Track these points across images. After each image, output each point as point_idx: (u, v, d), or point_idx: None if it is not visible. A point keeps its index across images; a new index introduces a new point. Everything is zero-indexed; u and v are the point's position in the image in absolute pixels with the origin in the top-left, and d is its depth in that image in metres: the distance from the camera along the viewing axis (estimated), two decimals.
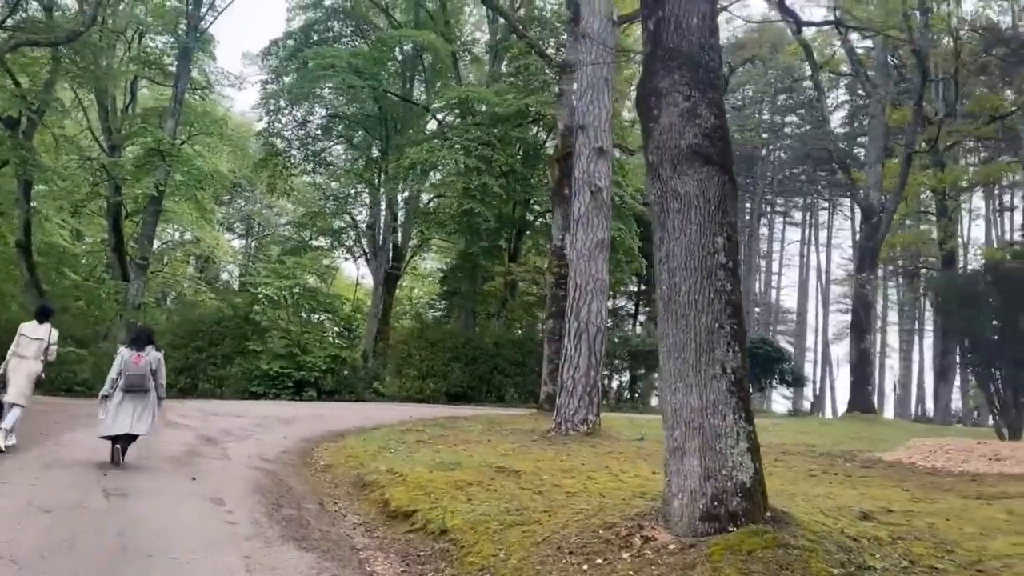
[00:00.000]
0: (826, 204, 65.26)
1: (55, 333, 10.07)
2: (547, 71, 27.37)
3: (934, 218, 41.14)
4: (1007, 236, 51.52)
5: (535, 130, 27.74)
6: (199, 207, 31.86)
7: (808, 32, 26.93)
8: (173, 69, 26.33)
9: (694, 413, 5.68)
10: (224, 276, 47.99)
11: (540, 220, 27.82)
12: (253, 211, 48.85)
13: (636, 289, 33.40)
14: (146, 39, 28.79)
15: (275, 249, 44.79)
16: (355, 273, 40.24)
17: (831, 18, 18.72)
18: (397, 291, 34.75)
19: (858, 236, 58.90)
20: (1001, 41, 32.70)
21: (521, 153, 27.14)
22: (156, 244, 29.68)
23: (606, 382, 28.66)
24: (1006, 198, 53.43)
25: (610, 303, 30.31)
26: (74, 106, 31.80)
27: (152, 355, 9.30)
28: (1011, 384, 11.15)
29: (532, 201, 27.55)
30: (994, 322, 11.33)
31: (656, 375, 30.59)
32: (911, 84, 25.91)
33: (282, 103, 28.78)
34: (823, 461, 11.73)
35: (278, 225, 49.21)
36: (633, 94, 27.79)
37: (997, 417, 11.41)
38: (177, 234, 42.42)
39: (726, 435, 5.62)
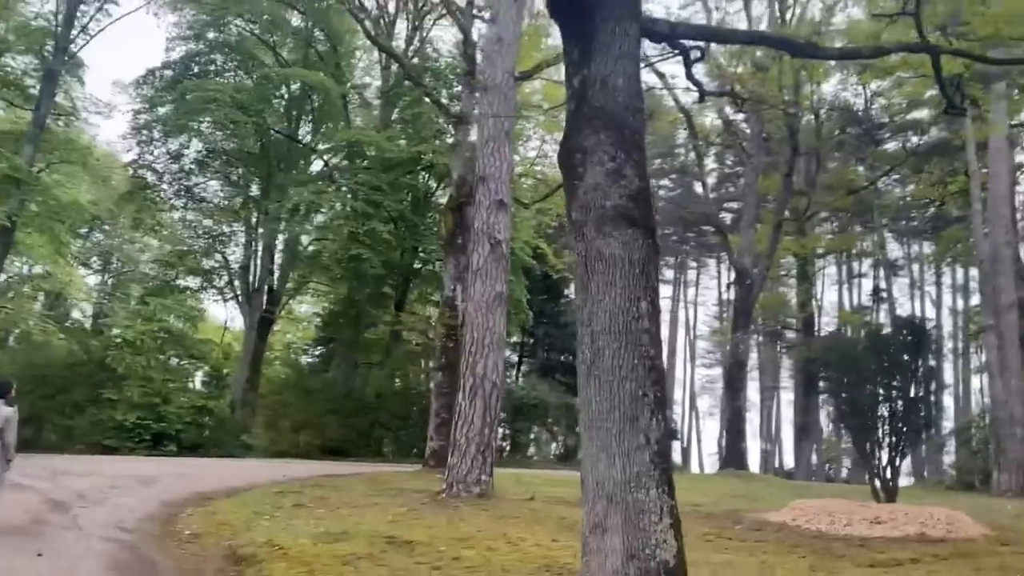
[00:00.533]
0: (694, 264, 68.59)
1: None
2: (440, 120, 27.37)
3: (794, 281, 43.98)
4: (856, 301, 55.79)
5: (426, 178, 27.47)
6: (54, 240, 29.30)
7: (686, 102, 28.43)
8: (35, 91, 24.23)
9: (617, 486, 5.38)
10: (76, 315, 44.09)
11: (428, 268, 27.38)
12: (112, 246, 45.43)
13: (520, 341, 33.38)
14: (5, 58, 26.48)
15: (136, 288, 41.83)
16: (225, 316, 37.87)
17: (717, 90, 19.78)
18: (270, 336, 33.03)
19: (723, 295, 62.40)
20: (855, 121, 35.82)
21: (411, 200, 26.75)
22: (1, 278, 26.83)
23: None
24: (855, 265, 58.03)
25: None
26: None
27: (2, 411, 8.15)
28: (886, 447, 11.64)
29: (420, 249, 27.09)
30: (869, 386, 11.84)
31: (537, 429, 30.58)
32: (778, 156, 27.75)
33: (156, 134, 27.07)
34: (713, 523, 11.77)
35: (140, 262, 46.09)
36: (524, 150, 28.00)
37: (874, 479, 11.86)
38: (26, 267, 38.79)
39: (649, 510, 5.35)
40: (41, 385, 20.88)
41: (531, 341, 32.92)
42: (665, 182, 65.31)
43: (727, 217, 59.25)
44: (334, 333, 30.66)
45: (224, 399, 23.09)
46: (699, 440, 58.79)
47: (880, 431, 11.86)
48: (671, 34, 7.30)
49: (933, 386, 11.81)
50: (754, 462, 48.45)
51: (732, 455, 23.66)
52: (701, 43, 8.43)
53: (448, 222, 20.19)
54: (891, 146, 39.52)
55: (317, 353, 39.74)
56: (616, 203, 5.80)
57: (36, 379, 20.98)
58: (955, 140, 26.80)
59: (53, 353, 24.00)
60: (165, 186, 28.15)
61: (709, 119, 42.85)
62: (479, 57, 14.20)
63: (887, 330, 13.21)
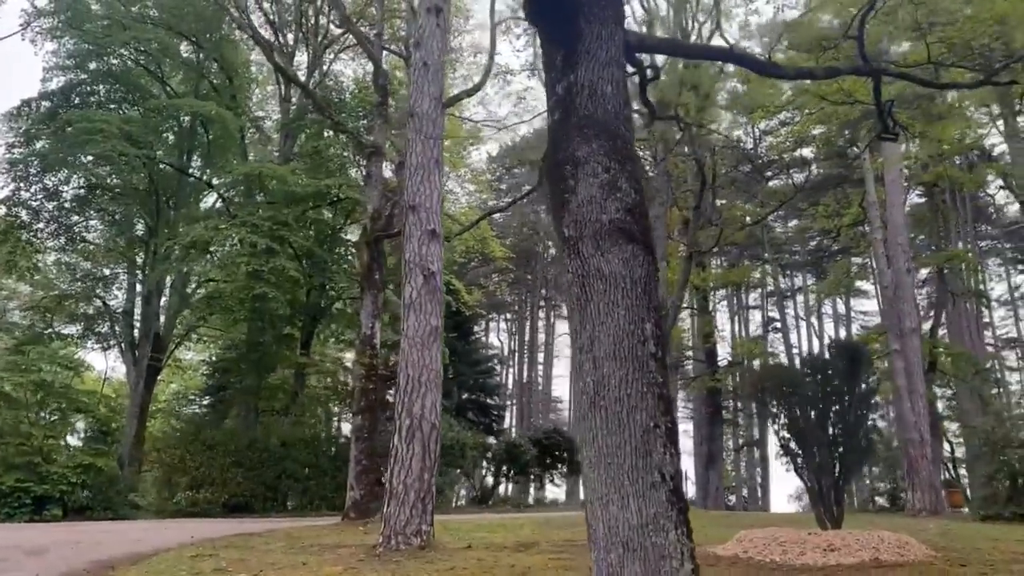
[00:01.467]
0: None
1: None
2: (346, 153, 26.52)
3: (686, 315, 45.10)
4: (746, 332, 58.08)
5: (333, 213, 26.39)
6: None
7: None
8: None
9: (632, 531, 4.84)
10: None
11: (337, 307, 26.15)
12: None
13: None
14: None
15: (3, 337, 38.22)
16: (105, 365, 34.97)
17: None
18: (155, 386, 30.60)
19: None
20: (747, 158, 37.46)
21: (317, 235, 25.58)
22: None
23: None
24: (744, 297, 60.54)
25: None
26: None
27: None
28: (829, 473, 11.64)
29: (328, 287, 25.86)
30: (811, 411, 11.85)
31: (456, 472, 29.53)
32: (685, 190, 28.45)
33: (32, 169, 24.78)
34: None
35: (7, 310, 42.28)
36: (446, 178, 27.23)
37: (819, 505, 11.81)
38: None
39: (670, 555, 4.84)
40: None
41: (453, 377, 32.05)
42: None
43: None
44: (230, 379, 28.72)
45: (112, 456, 20.96)
46: None
47: (824, 456, 11.84)
48: (640, 46, 7.03)
49: (870, 410, 11.89)
50: None
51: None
52: (657, 62, 8.32)
53: (364, 257, 19.34)
54: (777, 183, 41.68)
55: (206, 403, 37.39)
56: (613, 217, 5.36)
57: None
58: (852, 174, 28.31)
59: None
60: (42, 224, 25.71)
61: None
62: (412, 84, 13.61)
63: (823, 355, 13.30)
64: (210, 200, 30.77)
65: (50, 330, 26.80)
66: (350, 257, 26.17)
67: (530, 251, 59.17)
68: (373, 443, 17.97)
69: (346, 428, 28.78)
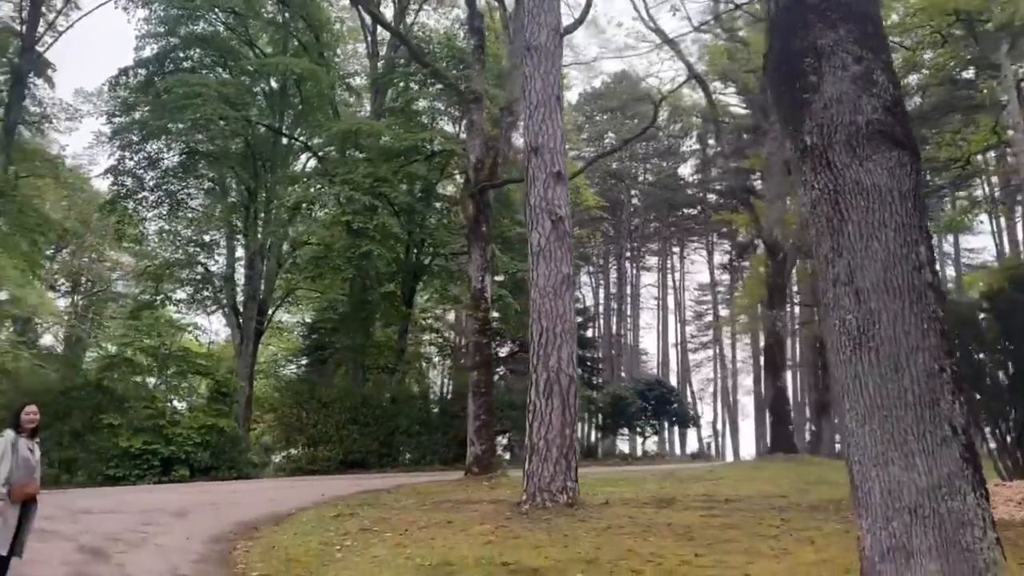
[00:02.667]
0: (677, 247, 67.54)
1: None
2: (437, 103, 25.88)
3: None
4: None
5: (427, 168, 25.83)
6: (28, 259, 27.23)
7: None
8: (2, 94, 22.22)
9: (921, 495, 4.00)
10: (47, 340, 41.69)
11: (438, 264, 25.76)
12: (81, 265, 43.14)
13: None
14: None
15: (111, 307, 39.69)
16: (212, 329, 35.90)
17: None
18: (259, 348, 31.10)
19: (716, 274, 61.47)
20: None
21: (413, 191, 25.13)
22: None
23: (508, 436, 26.74)
24: None
25: (503, 350, 28.46)
26: None
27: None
28: (1018, 423, 10.43)
29: (427, 243, 25.45)
30: (988, 353, 10.61)
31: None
32: None
33: (134, 138, 25.08)
34: (843, 520, 10.42)
35: (112, 281, 43.83)
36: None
37: (1002, 457, 10.64)
38: None
39: (971, 523, 3.98)
40: None
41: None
42: (647, 166, 64.50)
43: (712, 198, 58.62)
44: (332, 339, 28.93)
45: (232, 416, 21.32)
46: (732, 428, 57.47)
47: (1002, 401, 10.63)
48: None
49: None
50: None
51: (779, 438, 22.48)
52: None
53: (468, 209, 18.70)
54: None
55: (304, 363, 37.95)
56: (871, 117, 4.39)
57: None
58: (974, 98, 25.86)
59: (44, 379, 22.03)
60: (146, 192, 26.13)
61: (690, 98, 41.86)
62: (527, 16, 12.66)
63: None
64: (302, 162, 30.78)
65: (161, 296, 27.41)
66: (448, 211, 25.68)
67: (615, 201, 57.54)
68: (490, 398, 17.57)
69: (451, 385, 28.75)
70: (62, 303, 43.77)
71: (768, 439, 24.93)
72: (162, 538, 9.70)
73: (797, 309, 40.16)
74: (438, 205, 26.24)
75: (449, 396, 28.09)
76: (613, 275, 65.14)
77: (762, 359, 50.56)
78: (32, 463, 6.63)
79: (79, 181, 34.16)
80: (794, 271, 24.55)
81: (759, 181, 38.14)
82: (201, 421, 19.89)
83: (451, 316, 31.56)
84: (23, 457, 6.53)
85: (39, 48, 22.10)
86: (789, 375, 43.37)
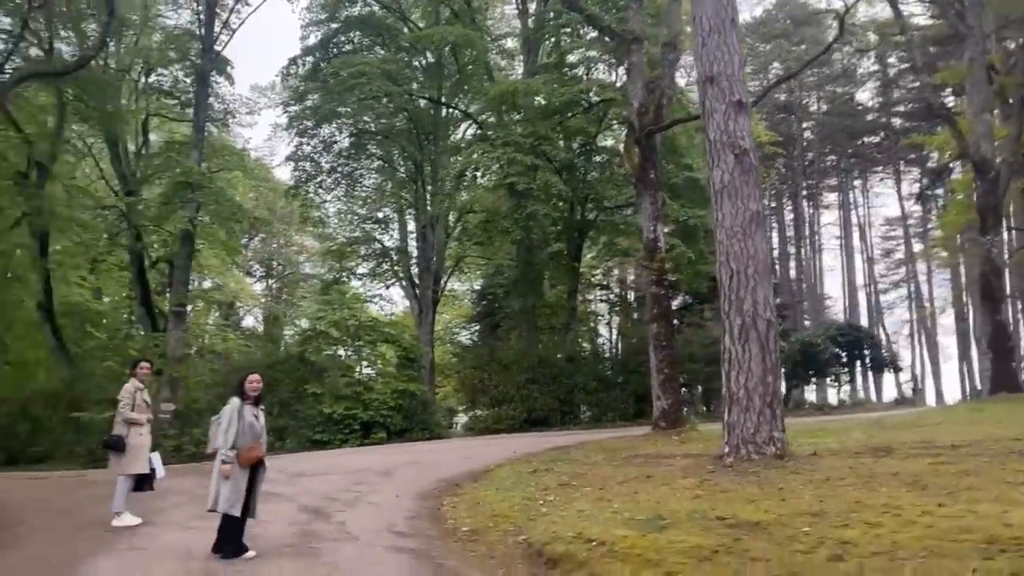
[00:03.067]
0: (858, 180, 62.29)
1: (126, 387, 8.84)
2: (592, 52, 25.20)
3: None
4: None
5: (585, 122, 25.24)
6: (227, 247, 29.72)
7: None
8: (190, 96, 24.12)
9: None
10: (249, 321, 45.75)
11: (603, 218, 25.28)
12: (271, 251, 46.73)
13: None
14: (155, 75, 26.73)
15: (302, 287, 42.67)
16: (392, 301, 37.63)
17: None
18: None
19: (905, 206, 56.01)
20: None
21: (579, 146, 24.72)
22: (193, 285, 27.24)
23: (689, 389, 26.04)
24: None
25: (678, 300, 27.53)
26: (84, 154, 29.97)
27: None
28: None
29: (590, 197, 25.00)
30: None
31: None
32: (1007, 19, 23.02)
33: (308, 124, 26.50)
34: None
35: (300, 263, 47.09)
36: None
37: None
38: (198, 282, 40.41)
39: None
40: None
41: None
42: (817, 96, 59.74)
43: (896, 122, 53.41)
44: (501, 303, 29.41)
45: (421, 381, 22.25)
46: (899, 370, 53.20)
47: None
48: None
49: None
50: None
51: (1001, 377, 20.14)
52: None
53: (634, 157, 18.02)
54: None
55: (476, 329, 38.96)
56: None
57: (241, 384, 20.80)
58: None
59: (251, 356, 24.05)
60: (324, 176, 27.64)
61: (865, 13, 37.90)
62: None
63: None
64: (462, 131, 31.25)
65: (344, 272, 29.08)
66: (610, 163, 25.03)
67: (786, 136, 53.86)
68: (672, 351, 16.99)
69: (624, 341, 28.33)
70: (258, 287, 47.85)
71: (981, 379, 22.38)
72: (374, 496, 10.15)
73: (1013, 235, 35.75)
74: (599, 159, 25.65)
75: (622, 353, 27.69)
76: (788, 217, 61.31)
77: (964, 295, 45.94)
78: (257, 429, 7.01)
79: (263, 172, 36.79)
80: (1008, 192, 21.64)
81: (950, 98, 34.14)
82: (393, 386, 20.88)
83: (621, 272, 31.05)
84: (248, 423, 6.91)
85: (217, 48, 23.71)
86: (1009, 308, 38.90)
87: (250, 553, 6.57)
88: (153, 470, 8.45)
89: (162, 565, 6.38)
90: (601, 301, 25.77)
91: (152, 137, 29.74)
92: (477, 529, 8.35)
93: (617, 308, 27.20)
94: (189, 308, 36.27)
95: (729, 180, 10.87)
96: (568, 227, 24.88)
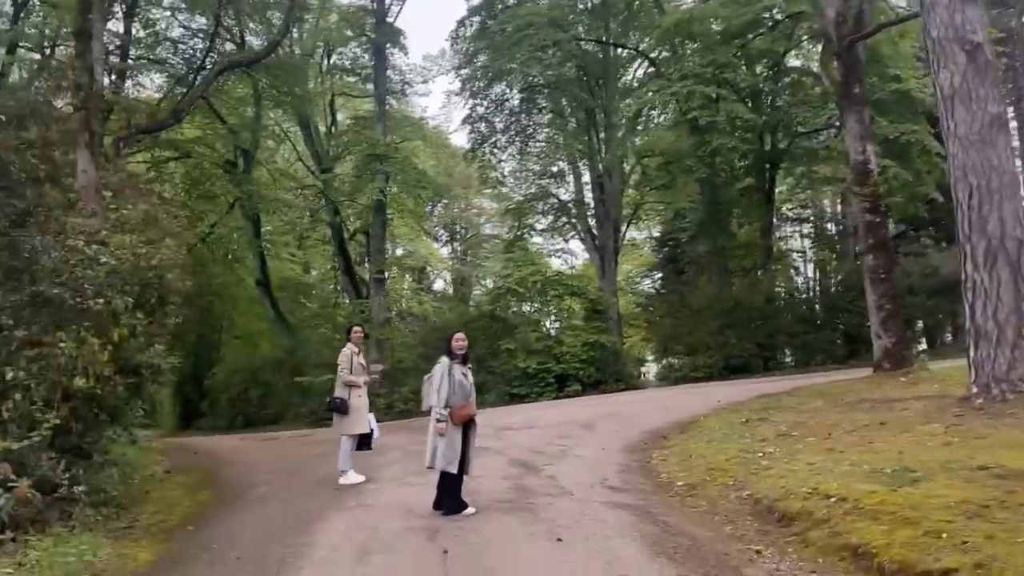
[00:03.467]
0: None
1: (343, 351, 9.00)
2: None
3: None
4: None
5: (769, 43, 23.21)
6: (415, 214, 30.93)
7: None
8: (369, 71, 25.03)
9: None
10: (439, 285, 47.60)
11: (797, 146, 23.27)
12: (454, 216, 48.08)
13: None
14: (336, 55, 28.04)
15: (485, 247, 43.60)
16: (574, 253, 37.48)
17: None
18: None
19: None
20: None
21: (767, 69, 22.86)
22: (388, 253, 28.67)
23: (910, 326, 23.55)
24: None
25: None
26: (281, 139, 32.24)
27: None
28: None
29: (781, 124, 23.08)
30: None
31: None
32: None
33: (479, 85, 26.62)
34: None
35: (481, 224, 48.07)
36: None
37: None
38: (392, 251, 42.52)
39: None
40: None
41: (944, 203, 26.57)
42: None
43: None
44: (690, 247, 28.20)
45: (609, 332, 21.96)
46: None
47: None
48: None
49: None
50: None
51: None
52: None
53: (834, 73, 16.25)
54: None
55: (658, 277, 37.85)
56: None
57: (437, 345, 21.65)
58: None
59: (444, 316, 24.93)
60: (498, 135, 27.75)
61: None
62: None
63: None
64: (632, 72, 30.05)
65: (525, 229, 29.22)
66: (802, 84, 22.91)
67: (1007, 31, 46.78)
68: (892, 284, 15.36)
69: (830, 278, 26.19)
70: (445, 251, 49.66)
71: None
72: (580, 450, 10.02)
73: None
74: (788, 80, 23.55)
75: (827, 290, 25.63)
76: (1013, 124, 53.66)
77: None
78: (467, 387, 6.98)
79: (441, 138, 37.76)
80: None
81: None
82: (583, 339, 20.77)
83: (821, 203, 28.61)
84: (458, 381, 6.90)
85: (389, 19, 24.32)
86: None
87: (470, 510, 6.60)
88: (372, 429, 8.80)
89: (389, 522, 6.58)
90: (803, 236, 23.83)
91: (339, 116, 31.46)
92: (694, 484, 7.93)
93: (818, 243, 25.10)
94: (386, 275, 38.49)
95: (960, 83, 9.38)
96: (758, 159, 23.15)
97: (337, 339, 24.61)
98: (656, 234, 39.65)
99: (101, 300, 6.84)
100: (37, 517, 5.98)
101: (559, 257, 28.24)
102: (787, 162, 23.72)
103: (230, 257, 34.81)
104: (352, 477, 8.46)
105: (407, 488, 8.03)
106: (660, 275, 37.96)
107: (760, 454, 8.51)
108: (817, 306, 22.53)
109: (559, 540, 5.65)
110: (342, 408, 8.55)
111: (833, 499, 6.08)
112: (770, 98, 22.59)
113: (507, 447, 10.34)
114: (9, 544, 5.60)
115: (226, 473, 9.76)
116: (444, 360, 6.91)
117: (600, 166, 27.42)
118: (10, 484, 5.71)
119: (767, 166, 23.54)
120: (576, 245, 34.98)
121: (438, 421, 6.66)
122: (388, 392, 19.55)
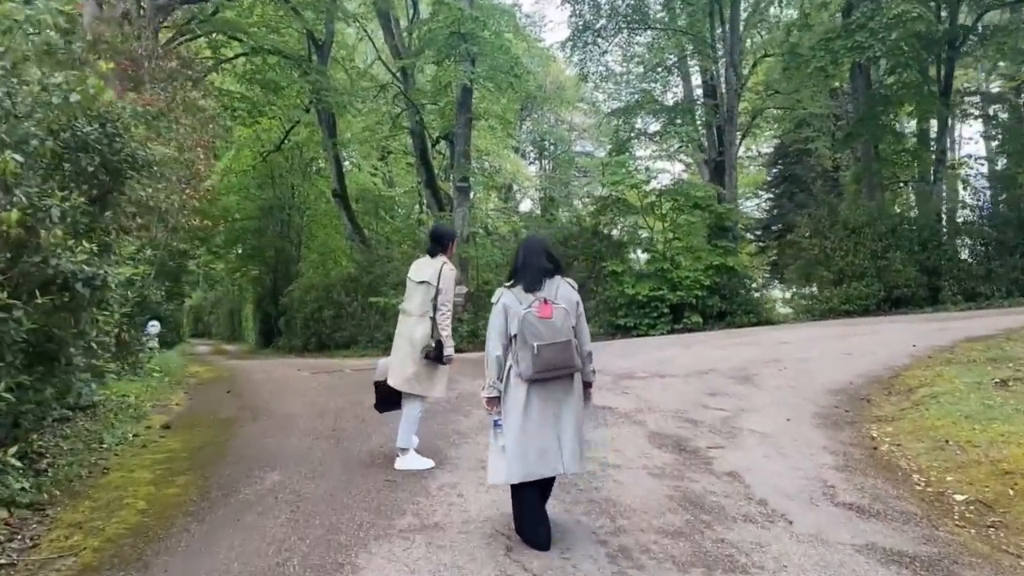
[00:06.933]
0: None
1: (449, 274, 5.47)
2: None
3: None
4: None
5: None
6: (503, 120, 27.62)
7: None
8: None
9: None
10: (525, 205, 44.64)
11: (986, 23, 18.24)
12: (543, 130, 44.47)
13: None
14: None
15: (577, 164, 40.12)
16: (688, 164, 33.31)
17: None
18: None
19: None
20: None
21: None
22: (471, 166, 25.52)
23: None
24: None
25: None
26: (359, 36, 29.36)
27: (564, 293, 3.87)
28: None
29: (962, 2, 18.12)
30: None
31: None
32: None
33: None
34: None
35: (571, 141, 44.41)
36: None
37: None
38: (475, 165, 39.41)
39: None
40: None
41: None
42: None
43: None
44: (839, 149, 23.86)
45: (736, 254, 18.21)
46: None
47: None
48: None
49: None
50: None
51: None
52: None
53: None
54: None
55: (769, 197, 33.80)
56: None
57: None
58: None
59: (542, 234, 21.64)
60: (604, 20, 23.58)
61: None
62: None
63: None
64: None
65: (632, 134, 25.37)
66: None
67: None
68: None
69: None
70: (532, 169, 46.30)
71: None
72: (751, 418, 6.67)
73: None
74: None
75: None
76: None
77: None
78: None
79: (530, 42, 33.79)
80: None
81: None
82: (706, 261, 17.15)
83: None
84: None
85: None
86: None
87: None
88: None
89: (474, 567, 3.50)
90: (984, 137, 19.12)
91: (421, 8, 27.98)
92: (986, 499, 4.54)
93: (1005, 148, 20.12)
94: (470, 184, 35.39)
95: None
96: (932, 43, 18.26)
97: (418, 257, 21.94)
98: (767, 149, 35.56)
99: None
100: None
101: (670, 170, 24.21)
102: (968, 44, 18.60)
103: (309, 168, 32.59)
104: (416, 461, 5.41)
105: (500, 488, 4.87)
106: (771, 196, 34.01)
107: None
108: (1013, 222, 17.85)
109: None
110: (443, 357, 5.43)
111: None
112: None
113: (638, 409, 7.08)
114: None
115: (241, 436, 6.92)
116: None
117: (721, 63, 23.04)
118: None
119: (945, 49, 18.58)
120: (683, 159, 31.11)
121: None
122: (472, 318, 16.63)
